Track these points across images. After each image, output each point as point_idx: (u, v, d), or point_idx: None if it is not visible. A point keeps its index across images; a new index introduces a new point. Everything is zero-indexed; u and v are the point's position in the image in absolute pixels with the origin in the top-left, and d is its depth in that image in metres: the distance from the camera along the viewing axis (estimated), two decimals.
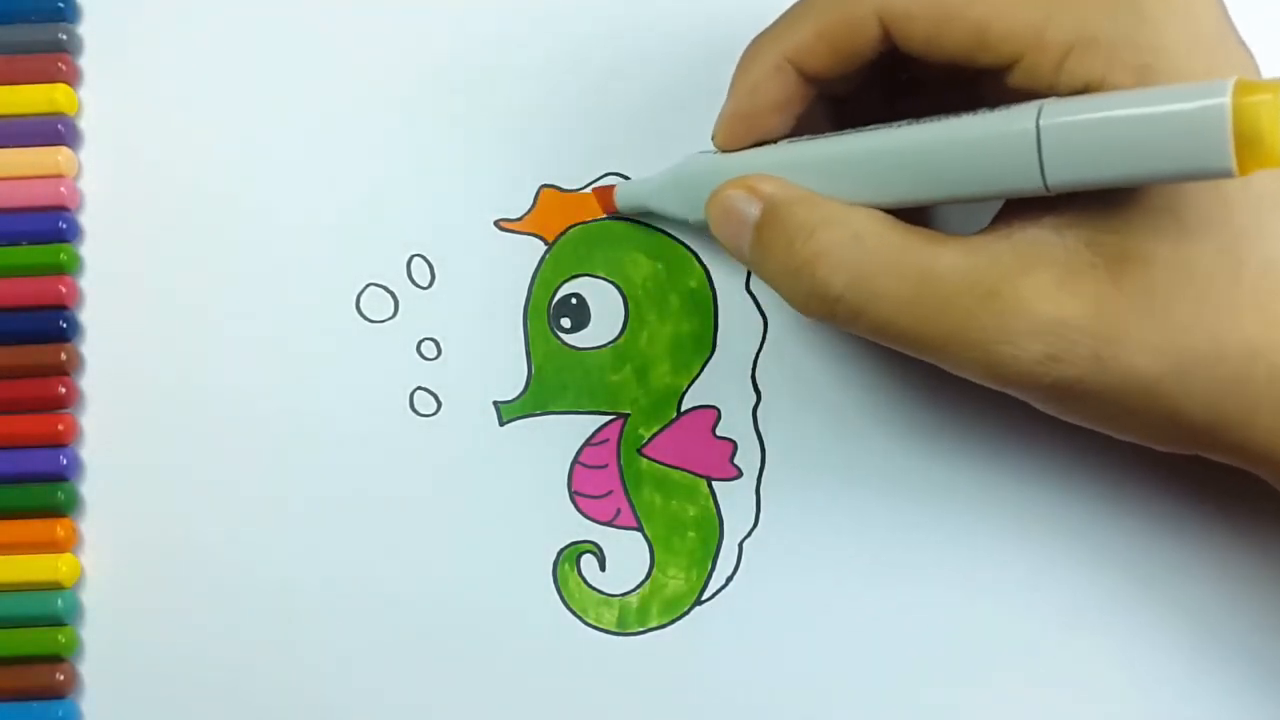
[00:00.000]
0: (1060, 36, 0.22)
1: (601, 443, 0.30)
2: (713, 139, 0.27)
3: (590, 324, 0.30)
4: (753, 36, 0.26)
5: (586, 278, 0.30)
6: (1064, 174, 0.21)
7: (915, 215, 0.24)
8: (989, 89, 0.23)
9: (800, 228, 0.24)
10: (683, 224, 0.29)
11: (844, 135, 0.24)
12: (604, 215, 0.30)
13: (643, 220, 0.30)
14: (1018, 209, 0.23)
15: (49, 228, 0.30)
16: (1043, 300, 0.22)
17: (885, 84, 0.27)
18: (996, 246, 0.22)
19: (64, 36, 0.30)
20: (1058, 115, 0.21)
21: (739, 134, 0.26)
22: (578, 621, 0.29)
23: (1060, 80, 0.22)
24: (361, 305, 0.30)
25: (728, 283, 0.30)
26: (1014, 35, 0.22)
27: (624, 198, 0.29)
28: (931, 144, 0.23)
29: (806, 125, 0.26)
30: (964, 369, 0.23)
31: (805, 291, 0.24)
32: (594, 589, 0.29)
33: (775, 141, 0.26)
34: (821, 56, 0.24)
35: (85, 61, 0.31)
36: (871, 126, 0.24)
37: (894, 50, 0.24)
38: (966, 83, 0.24)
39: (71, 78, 0.31)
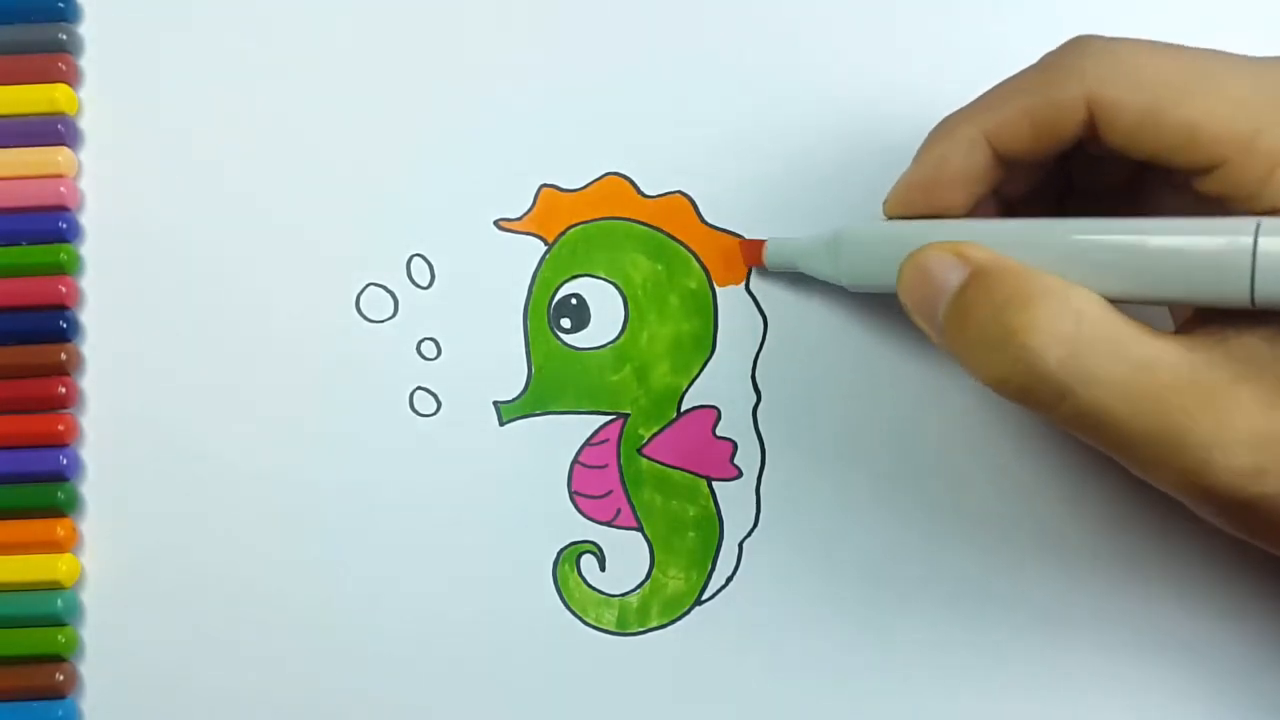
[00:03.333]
0: (1272, 149, 0.21)
1: (601, 443, 0.30)
2: (884, 205, 0.26)
3: (590, 324, 0.30)
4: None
5: (586, 278, 0.30)
6: (1275, 293, 0.21)
7: None
8: (1176, 197, 0.23)
9: (1013, 296, 0.22)
10: (836, 286, 0.28)
11: (1034, 219, 0.24)
12: (747, 267, 0.30)
13: (642, 221, 0.30)
14: (1225, 315, 0.22)
15: (49, 228, 0.30)
16: (1259, 412, 0.21)
17: (1060, 186, 0.26)
18: (1212, 351, 0.22)
19: (64, 36, 0.30)
20: (1279, 234, 0.21)
21: (914, 203, 0.25)
22: (578, 621, 0.29)
23: (1265, 192, 0.22)
24: (361, 305, 0.30)
25: (727, 283, 0.30)
26: (1224, 139, 0.22)
27: (774, 256, 0.29)
28: (1140, 239, 0.22)
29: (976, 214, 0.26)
30: (1161, 469, 0.22)
31: (1009, 363, 0.22)
32: (594, 589, 0.29)
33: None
34: (1022, 136, 0.24)
35: (85, 61, 0.31)
36: (1067, 216, 0.24)
37: (1092, 142, 0.23)
38: (1148, 191, 0.24)
39: (71, 78, 0.31)
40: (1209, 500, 0.22)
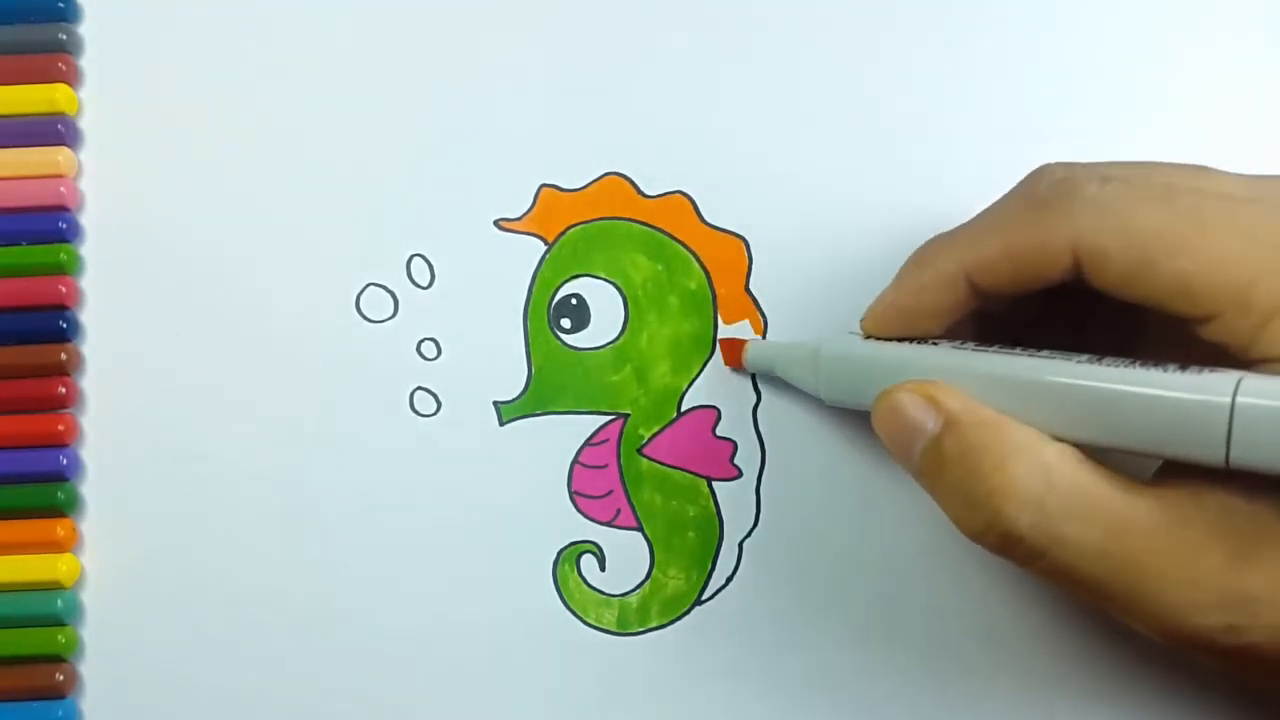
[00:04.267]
0: (1267, 301, 0.21)
1: (601, 443, 0.30)
2: (861, 322, 0.26)
3: (590, 324, 0.30)
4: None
5: (586, 278, 0.30)
6: (1249, 456, 0.20)
7: None
8: (1166, 331, 0.22)
9: (986, 455, 0.22)
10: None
11: (1016, 355, 0.23)
12: (728, 365, 0.29)
13: (642, 221, 0.30)
14: (1202, 466, 0.22)
15: (49, 228, 0.30)
16: (1232, 571, 0.21)
17: (1046, 305, 0.26)
18: (1187, 507, 0.21)
19: (64, 36, 0.30)
20: (1259, 396, 0.20)
21: (890, 325, 0.25)
22: (578, 621, 0.29)
23: (1257, 343, 0.21)
24: (361, 305, 0.30)
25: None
26: (1217, 293, 0.21)
27: (753, 359, 0.29)
28: (1112, 389, 0.22)
29: (953, 329, 0.26)
30: (1138, 620, 0.22)
31: (983, 524, 0.22)
32: (594, 589, 0.29)
33: (926, 341, 0.25)
34: (1002, 276, 0.23)
35: (85, 61, 0.31)
36: (1043, 352, 0.23)
37: (1079, 283, 0.23)
38: (1138, 318, 0.23)
39: (71, 78, 0.31)
40: (1186, 648, 0.22)
